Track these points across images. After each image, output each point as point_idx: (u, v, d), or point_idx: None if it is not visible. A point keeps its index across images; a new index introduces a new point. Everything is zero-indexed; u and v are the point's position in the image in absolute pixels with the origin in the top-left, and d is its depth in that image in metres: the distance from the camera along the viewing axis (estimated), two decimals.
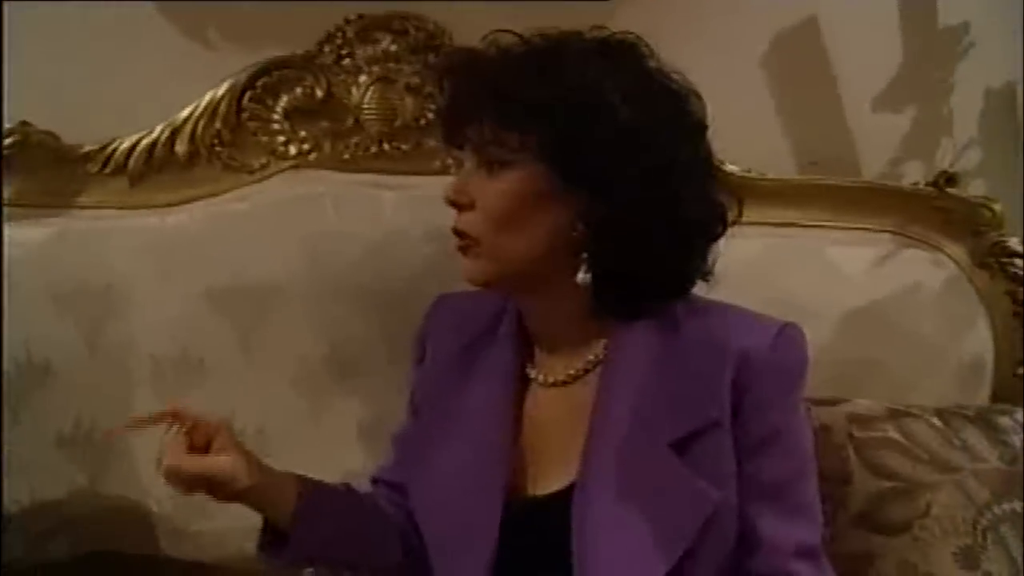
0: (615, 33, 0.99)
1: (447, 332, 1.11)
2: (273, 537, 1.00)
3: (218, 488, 0.91)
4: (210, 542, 1.27)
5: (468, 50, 1.08)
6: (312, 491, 1.02)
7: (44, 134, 1.25)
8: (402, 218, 1.28)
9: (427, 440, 1.06)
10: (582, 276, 0.94)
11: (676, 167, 0.94)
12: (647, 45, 0.98)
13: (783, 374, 0.96)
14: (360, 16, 1.30)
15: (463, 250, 0.97)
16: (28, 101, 1.26)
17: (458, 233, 0.97)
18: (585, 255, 0.94)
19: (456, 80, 1.01)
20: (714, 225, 0.98)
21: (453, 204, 0.97)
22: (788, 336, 0.96)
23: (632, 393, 0.95)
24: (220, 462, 0.91)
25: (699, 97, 0.98)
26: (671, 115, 0.96)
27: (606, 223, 0.93)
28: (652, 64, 0.97)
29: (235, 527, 1.25)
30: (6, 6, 1.23)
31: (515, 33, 0.98)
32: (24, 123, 1.24)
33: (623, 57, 0.96)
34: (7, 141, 1.23)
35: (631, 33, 0.99)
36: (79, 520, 1.26)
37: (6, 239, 1.23)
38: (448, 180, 1.30)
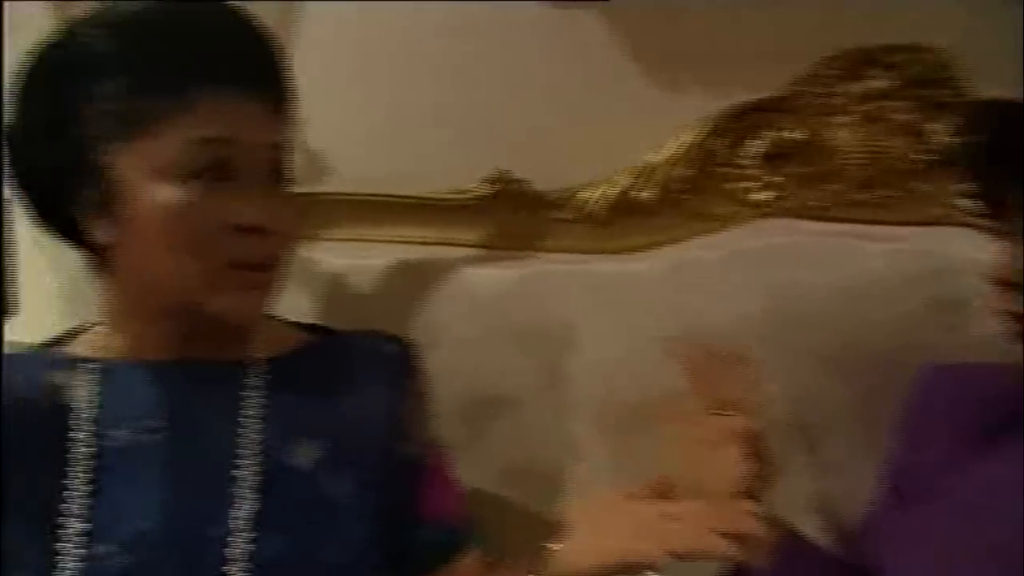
0: None
1: (956, 408, 0.97)
2: None
3: None
4: None
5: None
6: None
7: (519, 182, 1.29)
8: (885, 273, 1.13)
9: (918, 524, 0.91)
10: None
11: None
12: None
13: None
14: (845, 52, 1.18)
15: None
16: (505, 149, 1.31)
17: None
18: None
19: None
20: None
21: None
22: None
23: None
24: None
25: None
26: None
27: None
28: None
29: None
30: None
31: None
32: (504, 171, 1.29)
33: None
34: (489, 188, 1.29)
35: None
36: None
37: (480, 279, 1.28)
38: (945, 231, 1.15)
